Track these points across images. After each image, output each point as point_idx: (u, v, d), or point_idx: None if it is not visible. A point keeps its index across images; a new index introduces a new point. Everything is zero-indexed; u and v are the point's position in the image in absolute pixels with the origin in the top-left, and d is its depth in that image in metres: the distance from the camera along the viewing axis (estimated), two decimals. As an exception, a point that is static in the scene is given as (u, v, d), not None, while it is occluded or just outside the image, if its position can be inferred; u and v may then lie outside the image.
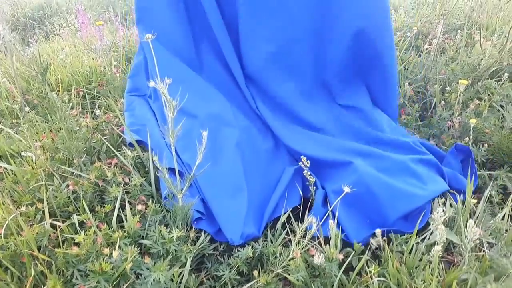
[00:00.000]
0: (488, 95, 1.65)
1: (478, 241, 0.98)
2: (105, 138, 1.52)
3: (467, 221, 1.06)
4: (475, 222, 1.18)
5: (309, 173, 1.21)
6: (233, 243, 1.04)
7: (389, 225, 1.11)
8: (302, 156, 1.21)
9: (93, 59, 2.18)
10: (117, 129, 1.49)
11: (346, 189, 1.00)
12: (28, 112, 1.73)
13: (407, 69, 1.96)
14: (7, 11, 5.11)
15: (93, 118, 1.74)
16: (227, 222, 1.09)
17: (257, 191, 1.20)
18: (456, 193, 1.20)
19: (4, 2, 5.23)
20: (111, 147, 1.33)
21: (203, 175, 1.09)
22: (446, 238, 0.98)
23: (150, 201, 1.12)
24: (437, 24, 2.21)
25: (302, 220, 1.11)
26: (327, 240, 1.06)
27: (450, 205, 1.18)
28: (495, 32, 2.21)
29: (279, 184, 1.25)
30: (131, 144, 1.35)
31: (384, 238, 1.04)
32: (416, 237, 1.02)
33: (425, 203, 1.14)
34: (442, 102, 1.62)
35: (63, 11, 5.34)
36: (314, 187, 1.25)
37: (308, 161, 1.20)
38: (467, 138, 1.41)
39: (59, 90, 1.97)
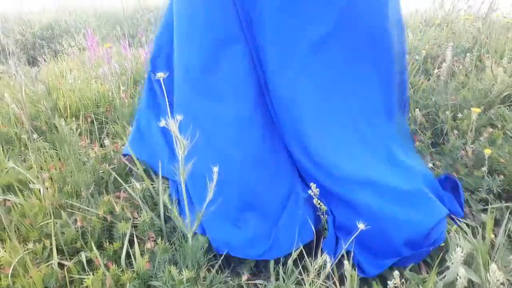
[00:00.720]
0: (502, 122, 1.61)
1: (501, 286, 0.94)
2: (113, 168, 1.50)
3: (488, 262, 1.02)
4: (494, 258, 1.14)
5: (319, 201, 1.18)
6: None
7: (396, 253, 1.07)
8: (312, 183, 1.17)
9: (101, 84, 2.17)
10: (125, 158, 1.46)
11: (361, 226, 0.97)
12: (36, 140, 1.72)
13: (417, 93, 1.93)
14: (16, 30, 5.16)
15: (101, 146, 1.72)
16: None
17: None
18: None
19: (13, 22, 5.28)
20: (119, 179, 1.31)
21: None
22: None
23: (160, 238, 1.09)
24: (446, 47, 2.18)
25: (315, 253, 1.08)
26: (341, 279, 1.03)
27: (468, 240, 1.14)
28: (505, 55, 2.18)
29: (285, 212, 1.21)
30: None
31: (402, 280, 1.00)
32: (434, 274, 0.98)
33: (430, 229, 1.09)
34: (455, 131, 1.58)
35: (72, 30, 5.39)
36: (326, 215, 1.21)
37: (318, 189, 1.16)
38: (483, 168, 1.37)
39: (67, 116, 1.95)
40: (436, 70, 2.02)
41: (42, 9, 6.04)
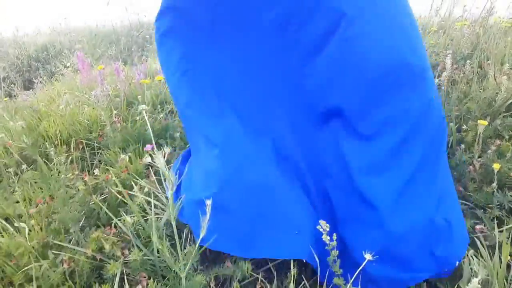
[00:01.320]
0: (509, 132, 1.54)
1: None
2: (105, 197, 1.42)
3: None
4: (511, 282, 1.06)
5: (328, 237, 1.08)
6: None
7: None
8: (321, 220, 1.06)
9: (93, 108, 2.10)
10: (115, 189, 1.39)
11: (368, 257, 0.89)
12: (26, 170, 1.64)
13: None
14: (12, 53, 5.13)
15: (93, 173, 1.65)
16: None
17: None
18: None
19: (8, 45, 5.25)
20: (109, 213, 1.23)
21: None
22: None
23: (152, 279, 1.01)
24: (445, 55, 2.12)
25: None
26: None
27: (484, 266, 1.06)
28: (506, 60, 2.11)
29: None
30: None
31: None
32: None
33: None
34: (461, 144, 1.51)
35: (67, 50, 5.35)
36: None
37: (328, 224, 1.07)
38: (493, 184, 1.29)
39: (58, 144, 1.88)
40: (436, 80, 1.94)
41: (37, 31, 6.03)
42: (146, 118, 0.92)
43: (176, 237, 0.93)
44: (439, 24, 3.13)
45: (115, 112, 2.01)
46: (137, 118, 2.01)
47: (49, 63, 5.16)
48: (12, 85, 4.37)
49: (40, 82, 4.47)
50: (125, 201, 1.34)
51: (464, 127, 1.60)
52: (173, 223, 0.91)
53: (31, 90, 4.52)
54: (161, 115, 2.08)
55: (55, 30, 5.91)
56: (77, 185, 1.36)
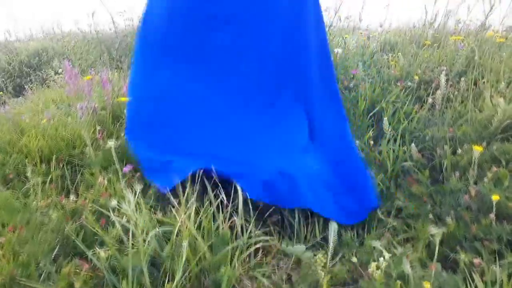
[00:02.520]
0: (506, 156, 1.46)
1: None
2: (82, 223, 1.33)
3: None
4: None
5: None
6: None
7: None
8: None
9: (77, 122, 2.00)
10: (91, 217, 1.29)
11: None
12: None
13: (411, 124, 1.78)
14: (2, 58, 5.01)
15: (75, 194, 1.56)
16: None
17: None
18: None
19: (0, 50, 5.13)
20: (81, 245, 1.13)
21: None
22: None
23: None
24: (439, 72, 2.04)
25: None
26: None
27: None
28: (501, 78, 2.04)
29: None
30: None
31: None
32: None
33: None
34: (456, 172, 1.43)
35: (59, 56, 5.25)
36: None
37: None
38: (491, 215, 1.21)
39: (37, 162, 1.78)
40: (430, 99, 1.87)
41: (29, 36, 5.91)
42: (114, 154, 0.83)
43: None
44: (433, 36, 3.06)
45: (98, 128, 1.91)
46: (122, 134, 1.91)
47: (40, 69, 5.05)
48: (0, 93, 4.25)
49: (31, 88, 4.37)
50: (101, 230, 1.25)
51: (459, 150, 1.52)
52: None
53: (21, 97, 4.42)
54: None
55: (47, 35, 5.79)
56: (51, 212, 1.26)
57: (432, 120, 1.75)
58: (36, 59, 5.16)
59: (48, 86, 4.30)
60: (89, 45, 5.59)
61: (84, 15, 6.02)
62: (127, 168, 1.49)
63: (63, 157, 1.83)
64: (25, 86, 4.58)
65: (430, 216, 1.32)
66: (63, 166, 1.75)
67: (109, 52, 5.68)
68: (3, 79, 4.92)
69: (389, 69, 2.42)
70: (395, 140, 1.69)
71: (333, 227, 1.10)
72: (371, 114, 1.90)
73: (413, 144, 1.58)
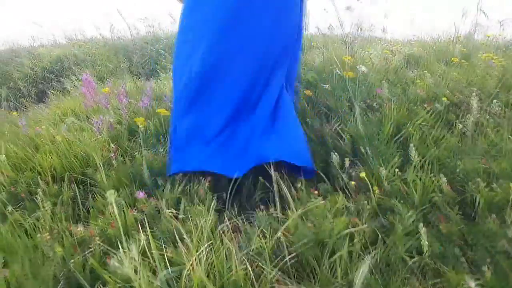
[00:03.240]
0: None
1: None
2: (90, 252, 1.26)
3: None
4: None
5: None
6: None
7: None
8: None
9: (92, 138, 1.94)
10: (101, 248, 1.22)
11: None
12: (11, 213, 1.49)
13: (440, 152, 1.65)
14: (26, 64, 5.05)
15: (84, 220, 1.49)
16: None
17: None
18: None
19: (24, 56, 5.18)
20: (84, 283, 1.06)
21: None
22: None
23: None
24: (470, 93, 1.91)
25: None
26: None
27: None
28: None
29: None
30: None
31: None
32: None
33: None
34: (493, 214, 1.30)
35: (81, 63, 5.26)
36: None
37: None
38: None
39: (49, 181, 1.73)
40: (461, 126, 1.74)
41: (52, 42, 5.96)
42: (115, 211, 0.75)
43: None
44: (461, 52, 2.91)
45: (113, 146, 1.85)
46: (136, 153, 1.84)
47: (62, 75, 5.07)
48: (22, 99, 4.27)
49: (52, 94, 4.38)
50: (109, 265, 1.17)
51: (494, 185, 1.39)
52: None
53: (42, 103, 4.43)
54: (163, 150, 1.91)
55: (70, 41, 5.83)
56: (56, 246, 1.19)
57: (462, 148, 1.63)
58: (58, 65, 5.20)
59: (68, 92, 4.30)
60: (110, 52, 5.60)
61: (106, 21, 6.04)
62: (140, 195, 1.41)
63: (76, 176, 1.77)
64: (47, 92, 4.60)
65: (462, 259, 1.20)
66: (75, 185, 1.69)
67: (129, 59, 5.68)
68: (26, 85, 4.97)
69: (414, 85, 2.29)
70: (421, 167, 1.57)
71: (361, 270, 1.00)
72: (396, 138, 1.78)
73: (442, 175, 1.46)
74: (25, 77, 4.97)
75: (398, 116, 1.90)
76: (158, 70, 5.41)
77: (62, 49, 5.45)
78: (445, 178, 1.47)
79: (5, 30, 5.44)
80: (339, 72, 2.07)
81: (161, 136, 2.05)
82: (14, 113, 3.57)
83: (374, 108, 2.08)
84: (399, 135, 1.80)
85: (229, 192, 1.51)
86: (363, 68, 2.20)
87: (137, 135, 2.16)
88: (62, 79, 5.06)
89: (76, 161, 1.82)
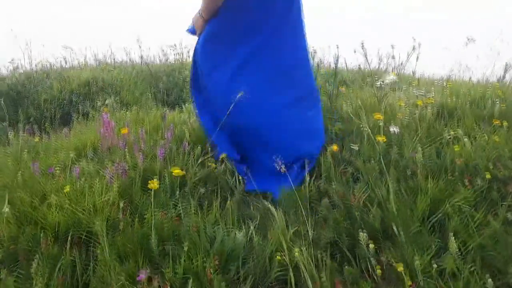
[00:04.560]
0: None
1: None
2: None
3: None
4: None
5: None
6: None
7: None
8: None
9: (103, 192, 1.80)
10: None
11: None
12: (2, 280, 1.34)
13: (479, 239, 1.43)
14: (55, 86, 5.06)
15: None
16: None
17: None
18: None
19: (54, 78, 5.19)
20: None
21: None
22: None
23: None
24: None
25: None
26: None
27: None
28: None
29: None
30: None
31: None
32: None
33: None
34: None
35: (108, 86, 5.24)
36: None
37: None
38: None
39: (51, 241, 1.58)
40: (509, 214, 1.52)
41: (83, 64, 5.99)
42: None
43: None
44: (500, 111, 2.67)
45: (122, 204, 1.69)
46: (147, 213, 1.69)
47: (89, 99, 5.05)
48: (46, 124, 4.23)
49: (77, 118, 4.33)
50: None
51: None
52: None
53: (66, 126, 4.38)
54: (175, 211, 1.76)
55: (100, 65, 5.85)
56: None
57: (510, 240, 1.40)
58: (86, 88, 5.19)
59: (93, 117, 4.24)
60: (137, 77, 5.57)
61: (137, 46, 6.06)
62: (141, 276, 1.25)
63: (81, 233, 1.63)
64: (72, 115, 4.56)
65: None
66: (77, 250, 1.54)
67: (156, 85, 5.64)
68: (52, 107, 4.96)
69: (450, 149, 2.08)
70: (462, 258, 1.36)
71: None
72: (432, 218, 1.57)
73: (487, 276, 1.24)
74: (53, 99, 4.97)
75: (434, 189, 1.69)
76: (183, 98, 5.35)
77: (91, 72, 5.45)
78: (491, 279, 1.25)
79: (40, 51, 5.47)
80: (367, 131, 1.88)
81: (178, 191, 1.90)
82: (36, 139, 3.51)
83: (407, 176, 1.88)
84: (436, 215, 1.59)
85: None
86: (395, 129, 2.01)
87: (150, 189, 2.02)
88: (88, 102, 5.04)
89: (82, 217, 1.68)
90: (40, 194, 1.85)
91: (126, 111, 4.22)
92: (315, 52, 3.64)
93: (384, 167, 1.83)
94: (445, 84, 4.25)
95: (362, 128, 1.95)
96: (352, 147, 1.99)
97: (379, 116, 2.07)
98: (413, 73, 5.24)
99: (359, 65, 5.26)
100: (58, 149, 3.15)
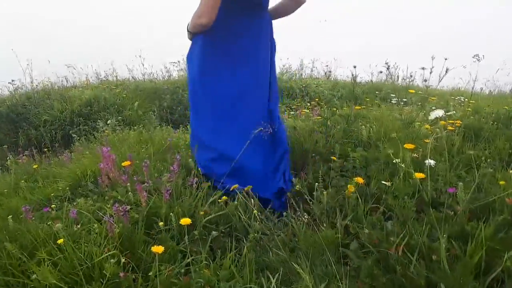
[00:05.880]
0: None
1: None
2: None
3: None
4: None
5: None
6: None
7: None
8: None
9: (100, 245, 1.55)
10: None
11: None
12: None
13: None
14: (56, 107, 4.84)
15: None
16: None
17: None
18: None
19: (54, 99, 4.98)
20: None
21: None
22: None
23: None
24: None
25: None
26: None
27: None
28: None
29: None
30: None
31: None
32: None
33: None
34: None
35: (110, 105, 5.02)
36: None
37: None
38: None
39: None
40: None
41: (85, 83, 5.78)
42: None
43: None
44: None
45: (123, 260, 1.44)
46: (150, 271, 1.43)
47: (90, 119, 4.83)
48: (45, 149, 4.00)
49: (78, 140, 4.10)
50: None
51: None
52: None
53: (67, 149, 4.15)
54: (183, 261, 1.50)
55: (102, 83, 5.63)
56: None
57: None
58: (88, 108, 4.97)
59: (95, 138, 4.02)
60: (140, 96, 5.35)
61: (139, 63, 5.86)
62: None
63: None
64: (73, 136, 4.34)
65: None
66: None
67: (159, 103, 5.42)
68: (53, 128, 4.74)
69: (491, 184, 1.83)
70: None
71: None
72: (487, 276, 1.31)
73: None
74: (54, 120, 4.75)
75: (487, 236, 1.43)
76: (187, 117, 5.11)
77: (93, 91, 5.24)
78: None
79: (41, 71, 5.27)
80: (402, 167, 1.63)
81: (186, 237, 1.65)
82: (35, 165, 3.28)
83: (448, 217, 1.62)
84: (492, 272, 1.33)
85: None
86: (431, 162, 1.75)
87: (156, 228, 1.77)
88: (89, 122, 4.82)
89: (77, 273, 1.43)
90: (31, 246, 1.60)
91: (130, 130, 4.00)
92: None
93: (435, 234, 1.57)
94: (462, 99, 4.00)
95: (393, 161, 1.70)
96: (383, 183, 1.73)
97: (410, 146, 1.82)
98: (427, 86, 5.01)
99: (371, 80, 5.03)
100: (56, 176, 2.92)
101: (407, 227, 1.61)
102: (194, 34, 2.09)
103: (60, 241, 1.49)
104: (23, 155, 4.02)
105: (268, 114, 2.14)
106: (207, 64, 2.09)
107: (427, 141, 2.27)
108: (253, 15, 2.06)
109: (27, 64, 5.11)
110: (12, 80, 4.79)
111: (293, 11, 2.17)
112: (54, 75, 5.36)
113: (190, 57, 2.23)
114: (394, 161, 1.71)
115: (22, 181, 2.82)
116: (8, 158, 3.67)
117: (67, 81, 5.53)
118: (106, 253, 1.48)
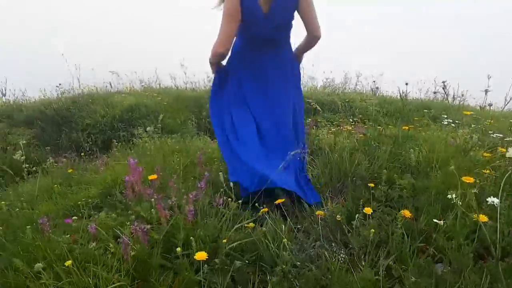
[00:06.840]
0: None
1: None
2: None
3: None
4: None
5: None
6: None
7: None
8: None
9: (111, 270, 1.40)
10: None
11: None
12: None
13: None
14: (99, 112, 4.89)
15: None
16: None
17: None
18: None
19: (98, 103, 5.04)
20: None
21: None
22: None
23: None
24: None
25: None
26: None
27: None
28: None
29: None
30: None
31: None
32: None
33: None
34: None
35: (151, 113, 5.01)
36: None
37: None
38: None
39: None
40: None
41: (129, 88, 5.83)
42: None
43: None
44: None
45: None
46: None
47: (131, 125, 4.83)
48: (82, 154, 4.00)
49: (116, 146, 4.09)
50: None
51: None
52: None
53: (105, 153, 4.15)
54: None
55: (144, 91, 5.65)
56: None
57: None
58: (129, 114, 4.98)
59: (133, 144, 3.99)
60: (181, 104, 5.31)
61: (182, 72, 5.84)
62: None
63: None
64: (114, 140, 4.34)
65: None
66: None
67: (199, 112, 5.35)
68: (95, 132, 4.78)
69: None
70: None
71: None
72: None
73: None
74: (96, 124, 4.80)
75: None
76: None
77: (135, 97, 5.26)
78: None
79: (87, 77, 5.37)
80: (459, 207, 1.37)
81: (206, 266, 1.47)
82: (70, 170, 3.27)
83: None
84: None
85: None
86: (495, 201, 1.47)
87: (174, 250, 1.61)
88: (130, 128, 4.82)
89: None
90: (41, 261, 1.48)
91: (168, 138, 3.93)
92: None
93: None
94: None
95: (450, 198, 1.44)
96: (436, 222, 1.47)
97: (469, 179, 1.54)
98: (463, 105, 4.59)
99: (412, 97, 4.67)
100: (89, 182, 2.89)
101: (462, 276, 1.34)
102: (216, 67, 2.26)
103: (67, 263, 1.36)
104: (63, 158, 4.05)
105: None
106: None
107: (486, 171, 1.96)
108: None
109: (76, 69, 5.22)
110: (60, 84, 4.90)
111: (311, 47, 2.26)
112: (100, 81, 5.45)
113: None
114: (449, 196, 1.45)
115: (56, 185, 2.80)
116: (48, 160, 3.71)
117: (111, 87, 5.61)
118: (116, 279, 1.33)
